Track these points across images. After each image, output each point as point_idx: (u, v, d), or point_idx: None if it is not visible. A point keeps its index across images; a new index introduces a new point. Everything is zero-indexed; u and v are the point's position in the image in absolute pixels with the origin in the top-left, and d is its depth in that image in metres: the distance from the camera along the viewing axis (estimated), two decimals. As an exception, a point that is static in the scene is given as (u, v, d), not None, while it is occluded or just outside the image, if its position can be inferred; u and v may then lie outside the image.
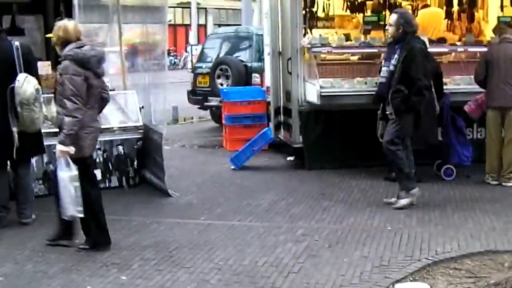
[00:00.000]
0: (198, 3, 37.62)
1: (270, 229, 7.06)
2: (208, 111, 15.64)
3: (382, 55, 10.28)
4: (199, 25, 36.65)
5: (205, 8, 40.74)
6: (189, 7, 36.07)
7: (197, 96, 14.90)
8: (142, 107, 9.43)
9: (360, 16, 10.99)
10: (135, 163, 9.12)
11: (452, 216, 7.59)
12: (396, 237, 6.73)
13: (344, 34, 10.99)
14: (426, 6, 11.46)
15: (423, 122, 8.83)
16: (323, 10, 11.02)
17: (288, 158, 10.76)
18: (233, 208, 7.98)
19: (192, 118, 16.95)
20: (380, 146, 9.59)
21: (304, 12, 10.44)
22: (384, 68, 8.17)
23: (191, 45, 28.97)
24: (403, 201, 7.88)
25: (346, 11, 11.04)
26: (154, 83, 9.49)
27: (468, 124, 9.87)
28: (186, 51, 33.97)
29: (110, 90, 9.68)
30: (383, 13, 10.96)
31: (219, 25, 33.90)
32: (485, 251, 6.32)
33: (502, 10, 11.31)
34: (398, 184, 8.03)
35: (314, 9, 10.82)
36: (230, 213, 7.77)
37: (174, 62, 35.77)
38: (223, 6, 40.08)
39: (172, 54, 36.39)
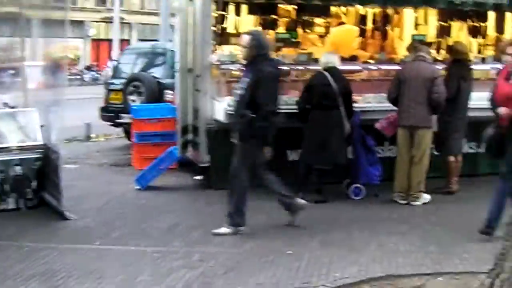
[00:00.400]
0: (122, 18, 37.13)
1: (166, 254, 6.74)
2: (121, 128, 15.19)
3: (294, 73, 10.17)
4: (123, 40, 36.12)
5: (129, 23, 40.30)
6: (112, 22, 35.55)
7: (109, 113, 14.45)
8: (43, 126, 8.99)
9: (272, 33, 10.73)
10: (34, 183, 8.66)
11: (357, 238, 7.42)
12: (295, 261, 6.49)
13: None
14: (341, 23, 11.32)
15: (331, 142, 8.73)
16: (234, 27, 10.71)
17: (195, 178, 10.43)
18: (131, 232, 7.62)
19: (104, 135, 16.48)
20: (289, 164, 9.46)
21: (214, 28, 10.15)
22: (236, 92, 7.84)
23: (113, 60, 28.44)
24: (226, 230, 7.46)
25: (258, 28, 10.78)
26: (56, 100, 9.05)
27: (379, 142, 9.77)
28: (108, 66, 33.44)
29: (11, 108, 9.39)
30: (296, 30, 10.77)
31: (144, 40, 33.53)
32: (385, 275, 6.14)
33: (416, 28, 11.27)
34: (230, 212, 7.55)
35: (225, 26, 10.52)
36: (127, 237, 7.41)
37: (96, 77, 35.17)
38: (147, 21, 39.72)
39: (93, 69, 35.81)
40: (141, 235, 7.48)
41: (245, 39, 7.53)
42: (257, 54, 7.39)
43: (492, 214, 7.13)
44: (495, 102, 7.31)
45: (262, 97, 7.27)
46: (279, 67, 7.81)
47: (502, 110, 7.09)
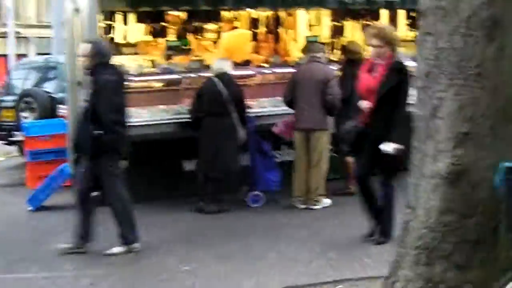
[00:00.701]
0: (18, 32, 36.02)
1: (53, 280, 6.36)
2: (16, 147, 14.58)
3: (186, 80, 9.91)
4: (20, 55, 35.04)
5: (26, 37, 39.12)
6: (6, 37, 34.44)
7: (2, 131, 13.82)
8: None
9: (163, 40, 10.43)
10: None
11: (256, 247, 7.20)
12: (191, 278, 6.23)
13: (151, 61, 10.45)
14: (234, 28, 11.12)
15: (224, 150, 8.53)
16: (123, 37, 10.35)
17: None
18: (19, 257, 7.18)
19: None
20: (187, 175, 9.19)
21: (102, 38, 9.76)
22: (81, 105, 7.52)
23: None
24: (118, 249, 7.09)
25: (148, 36, 10.46)
26: None
27: (277, 147, 9.63)
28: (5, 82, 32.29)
29: None
30: (187, 37, 10.50)
31: (42, 54, 32.55)
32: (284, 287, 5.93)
33: (309, 29, 11.18)
34: (120, 231, 7.16)
35: (113, 36, 10.14)
36: (13, 263, 6.97)
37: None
38: (45, 35, 38.70)
39: (-11, 86, 34.59)
40: (31, 260, 7.04)
41: (85, 48, 7.12)
42: (98, 63, 7.00)
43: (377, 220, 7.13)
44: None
45: (103, 107, 6.86)
46: (123, 75, 7.36)
47: (364, 104, 6.94)
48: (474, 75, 4.15)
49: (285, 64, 10.16)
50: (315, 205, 8.80)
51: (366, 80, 7.01)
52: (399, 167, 6.68)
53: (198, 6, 9.12)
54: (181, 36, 10.58)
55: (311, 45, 9.36)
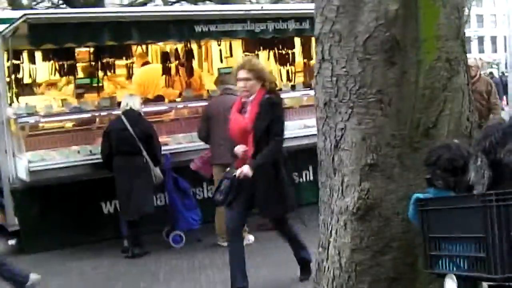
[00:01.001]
0: None
1: None
2: None
3: (98, 119, 9.45)
4: None
5: None
6: None
7: None
8: None
9: (72, 79, 9.95)
10: None
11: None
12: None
13: (61, 100, 9.96)
14: (146, 63, 10.71)
15: (136, 191, 8.09)
16: (30, 76, 9.83)
17: (10, 242, 9.41)
18: None
19: None
20: (106, 218, 8.71)
21: (8, 79, 9.23)
22: None
23: None
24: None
25: (55, 75, 9.96)
26: None
27: (197, 183, 9.21)
28: None
29: None
30: (97, 74, 10.04)
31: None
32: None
33: (221, 61, 10.84)
34: None
35: (20, 76, 9.60)
36: None
37: None
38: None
39: None
40: None
41: None
42: None
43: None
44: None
45: None
46: None
47: (240, 149, 6.13)
48: (375, 102, 3.84)
49: (199, 98, 9.74)
50: (239, 242, 8.37)
51: (237, 121, 6.21)
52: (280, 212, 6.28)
53: (103, 42, 8.63)
54: (91, 73, 10.12)
55: (223, 77, 8.98)
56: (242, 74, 6.17)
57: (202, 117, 8.62)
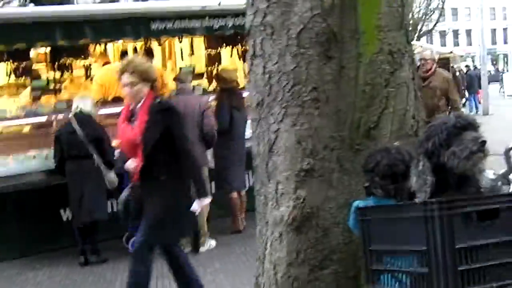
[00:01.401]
0: None
1: None
2: None
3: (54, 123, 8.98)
4: None
5: None
6: None
7: None
8: None
9: (28, 81, 9.47)
10: None
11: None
12: None
13: (17, 103, 9.49)
14: (107, 63, 10.25)
15: (87, 196, 7.64)
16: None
17: None
18: None
19: None
20: (66, 225, 8.25)
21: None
22: None
23: None
24: None
25: (10, 78, 9.46)
26: None
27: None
28: None
29: None
30: (53, 76, 9.56)
31: None
32: None
33: (182, 59, 10.39)
34: None
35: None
36: None
37: None
38: None
39: None
40: None
41: None
42: None
43: None
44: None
45: None
46: None
47: (130, 165, 5.33)
48: (311, 100, 3.40)
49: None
50: (202, 246, 7.95)
51: (125, 132, 5.33)
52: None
53: (56, 41, 8.18)
54: (47, 75, 9.65)
55: (178, 76, 8.56)
56: (126, 78, 5.27)
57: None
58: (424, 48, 9.46)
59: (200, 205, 5.46)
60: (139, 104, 5.27)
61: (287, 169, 3.44)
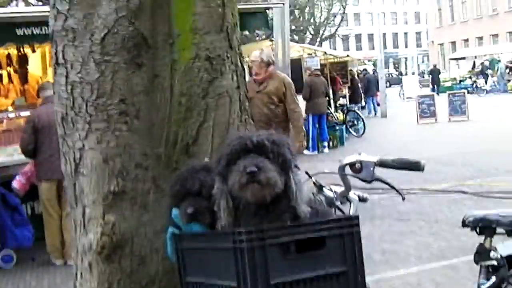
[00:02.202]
0: None
1: None
2: None
3: None
4: None
5: None
6: None
7: None
8: None
9: None
10: None
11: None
12: None
13: None
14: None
15: None
16: None
17: None
18: None
19: None
20: None
21: None
22: None
23: None
24: None
25: None
26: None
27: (30, 198, 8.15)
28: None
29: None
30: None
31: None
32: None
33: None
34: None
35: None
36: None
37: None
38: None
39: None
40: None
41: None
42: None
43: None
44: None
45: None
46: None
47: None
48: (119, 114, 2.91)
49: (34, 106, 8.64)
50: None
51: None
52: None
53: None
54: None
55: (43, 84, 7.94)
56: None
57: (26, 128, 7.56)
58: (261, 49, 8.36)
59: None
60: None
61: (94, 192, 2.94)
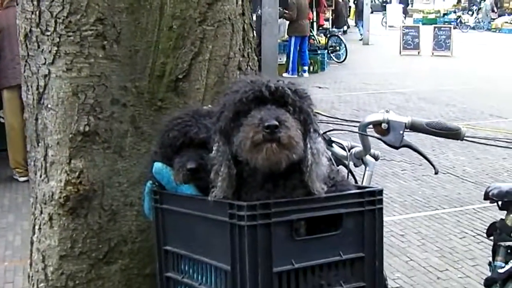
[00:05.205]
0: None
1: None
2: None
3: None
4: None
5: None
6: None
7: None
8: None
9: None
10: None
11: None
12: None
13: None
14: None
15: None
16: None
17: None
18: None
19: None
20: None
21: None
22: None
23: None
24: None
25: None
26: None
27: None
28: None
29: None
30: None
31: None
32: None
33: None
34: None
35: None
36: None
37: None
38: None
39: None
40: None
41: None
42: None
43: None
44: None
45: None
46: None
47: None
48: (95, 36, 2.34)
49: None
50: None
51: None
52: None
53: None
54: None
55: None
56: None
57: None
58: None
59: None
60: None
61: (59, 131, 2.40)
